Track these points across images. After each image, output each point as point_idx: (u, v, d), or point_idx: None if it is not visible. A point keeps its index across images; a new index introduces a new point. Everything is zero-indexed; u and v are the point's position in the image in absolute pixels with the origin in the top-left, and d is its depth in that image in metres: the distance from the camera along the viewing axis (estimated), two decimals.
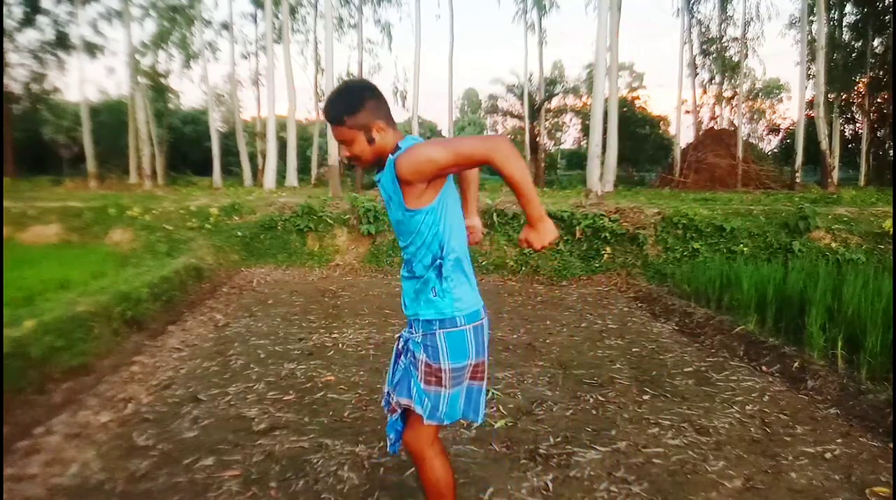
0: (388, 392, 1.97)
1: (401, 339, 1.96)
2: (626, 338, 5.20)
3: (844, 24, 23.34)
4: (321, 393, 3.75)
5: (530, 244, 1.71)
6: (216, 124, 22.07)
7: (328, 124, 1.76)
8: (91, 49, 22.59)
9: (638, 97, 34.62)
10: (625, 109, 27.64)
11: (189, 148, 32.39)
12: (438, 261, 1.80)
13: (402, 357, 1.92)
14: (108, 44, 37.67)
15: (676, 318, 5.82)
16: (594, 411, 3.50)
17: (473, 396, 1.93)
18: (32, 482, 2.60)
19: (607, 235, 8.47)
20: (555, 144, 44.22)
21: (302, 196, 11.32)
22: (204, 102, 26.03)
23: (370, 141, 1.73)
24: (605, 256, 8.50)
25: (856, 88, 24.37)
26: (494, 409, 3.50)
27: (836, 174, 18.78)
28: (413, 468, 2.75)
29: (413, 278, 1.86)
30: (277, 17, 19.06)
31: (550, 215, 8.57)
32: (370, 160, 1.78)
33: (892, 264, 6.58)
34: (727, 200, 11.71)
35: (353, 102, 1.72)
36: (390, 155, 1.75)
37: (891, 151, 24.43)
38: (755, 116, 40.55)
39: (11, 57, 23.59)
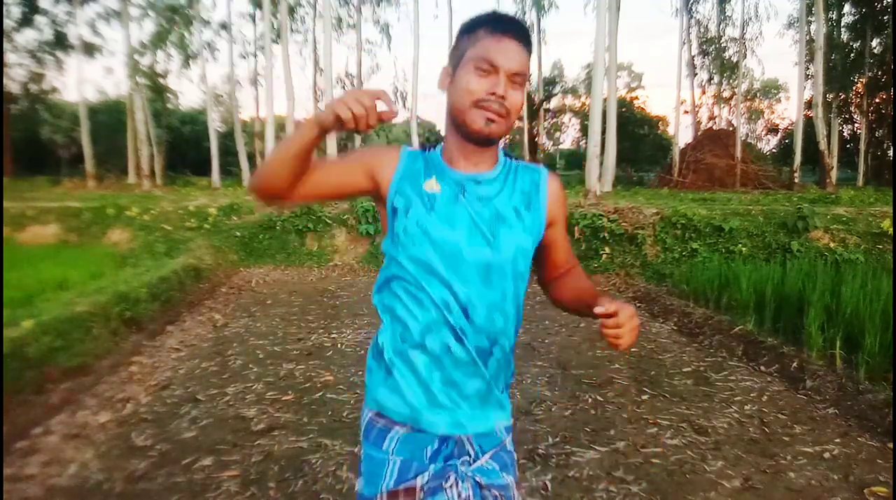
0: None
1: (440, 489, 1.13)
2: None
3: (843, 24, 23.35)
4: (320, 393, 3.75)
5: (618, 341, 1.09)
6: (215, 124, 22.03)
7: (507, 40, 1.07)
8: (89, 49, 22.55)
9: (637, 97, 34.70)
10: (624, 110, 27.67)
11: (188, 148, 32.33)
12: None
13: None
14: (107, 44, 37.83)
15: (675, 318, 5.83)
16: (593, 412, 3.50)
17: None
18: (31, 483, 2.60)
19: (606, 235, 8.48)
20: (553, 145, 44.27)
21: None
22: (203, 102, 26.05)
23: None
24: (604, 256, 8.50)
25: (854, 88, 24.39)
26: None
27: (834, 174, 18.78)
28: None
29: (493, 367, 1.18)
30: (276, 18, 19.04)
31: None
32: (513, 122, 1.13)
33: (892, 264, 6.58)
34: (726, 200, 11.72)
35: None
36: (510, 158, 1.24)
37: (889, 151, 24.49)
38: (753, 117, 40.60)
39: (10, 57, 23.57)
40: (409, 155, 1.19)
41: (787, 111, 47.21)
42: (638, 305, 6.64)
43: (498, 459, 1.20)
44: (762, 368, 4.29)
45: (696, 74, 23.67)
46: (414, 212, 1.12)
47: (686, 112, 24.41)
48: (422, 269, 1.12)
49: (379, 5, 23.15)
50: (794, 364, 4.09)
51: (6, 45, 22.48)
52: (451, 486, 1.13)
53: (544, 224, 1.20)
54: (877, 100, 24.09)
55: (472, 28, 1.11)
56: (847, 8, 22.94)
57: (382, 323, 1.21)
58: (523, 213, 1.17)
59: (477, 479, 1.16)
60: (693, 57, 23.19)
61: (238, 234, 9.21)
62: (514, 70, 1.07)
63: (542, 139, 27.79)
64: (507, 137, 32.02)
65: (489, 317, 1.13)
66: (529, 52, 1.11)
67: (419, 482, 1.13)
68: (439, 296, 1.12)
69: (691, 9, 22.56)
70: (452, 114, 1.12)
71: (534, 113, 25.14)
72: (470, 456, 1.17)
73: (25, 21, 23.03)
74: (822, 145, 17.01)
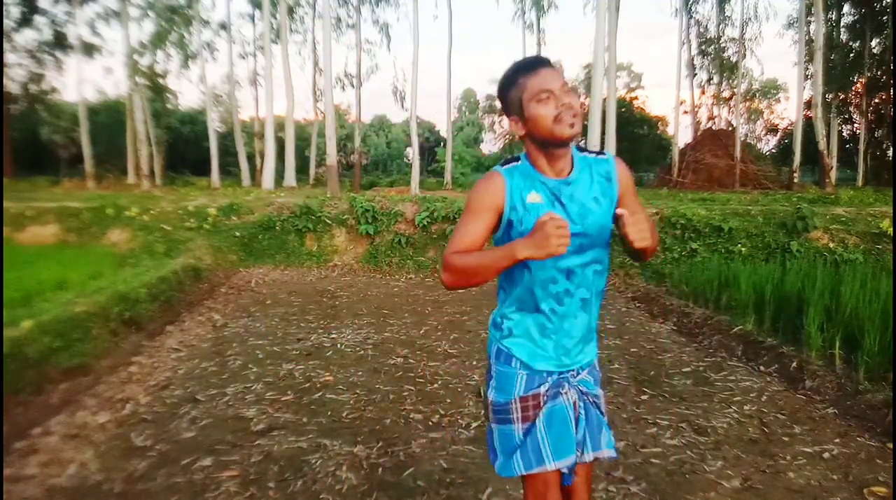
0: (572, 461, 1.56)
1: (558, 394, 1.57)
2: (624, 338, 5.21)
3: (842, 24, 23.39)
4: (319, 393, 3.75)
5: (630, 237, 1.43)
6: (214, 124, 22.05)
7: (541, 70, 1.46)
8: (89, 49, 22.56)
9: (636, 97, 34.70)
10: (623, 110, 27.69)
11: (187, 148, 32.37)
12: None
13: (583, 409, 1.60)
14: (106, 44, 37.79)
15: (675, 318, 5.83)
16: None
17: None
18: (30, 483, 2.60)
19: None
20: None
21: (300, 196, 11.32)
22: (202, 102, 26.02)
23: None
24: None
25: (853, 88, 24.42)
26: None
27: (833, 174, 18.82)
28: (412, 468, 2.75)
29: (590, 311, 1.60)
30: (275, 18, 19.04)
31: None
32: (583, 117, 1.52)
33: (892, 264, 6.59)
34: (725, 200, 11.72)
35: None
36: (584, 152, 1.59)
37: (888, 152, 24.50)
38: (753, 117, 40.60)
39: (10, 57, 23.55)
40: (507, 175, 1.52)
41: (787, 111, 47.26)
42: (637, 305, 6.64)
43: (592, 374, 1.67)
44: (762, 368, 4.29)
45: (695, 74, 23.69)
46: (526, 222, 1.49)
47: (685, 112, 24.45)
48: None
49: (378, 5, 23.15)
50: (794, 364, 4.09)
51: (6, 45, 22.46)
52: (565, 392, 1.57)
53: (616, 202, 1.56)
54: (876, 100, 24.12)
55: (513, 79, 1.48)
56: (846, 8, 22.98)
57: (502, 295, 1.63)
58: (601, 199, 1.54)
59: (580, 389, 1.61)
60: (693, 57, 23.21)
61: (237, 234, 9.22)
62: (560, 83, 1.45)
63: None
64: (508, 135, 31.87)
65: (584, 274, 1.54)
66: (557, 68, 1.49)
67: (542, 389, 1.56)
68: (549, 274, 1.52)
69: (691, 9, 22.57)
70: (541, 137, 1.47)
71: None
72: (574, 372, 1.61)
73: (25, 21, 23.02)
74: (822, 145, 17.02)
